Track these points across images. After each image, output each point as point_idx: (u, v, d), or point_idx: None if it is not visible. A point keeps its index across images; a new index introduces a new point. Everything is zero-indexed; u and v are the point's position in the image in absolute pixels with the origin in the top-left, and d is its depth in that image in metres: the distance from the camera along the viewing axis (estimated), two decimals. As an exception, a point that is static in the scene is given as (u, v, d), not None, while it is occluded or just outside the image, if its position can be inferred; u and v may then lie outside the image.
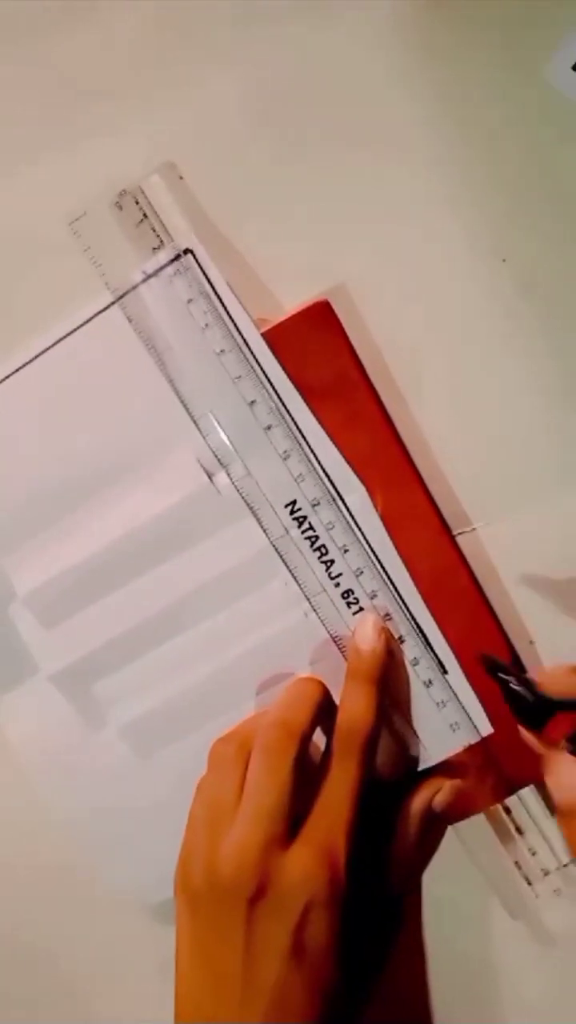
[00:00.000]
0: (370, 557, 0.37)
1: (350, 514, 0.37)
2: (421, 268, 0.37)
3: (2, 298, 0.39)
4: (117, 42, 0.38)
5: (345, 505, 0.37)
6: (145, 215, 0.37)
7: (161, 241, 0.37)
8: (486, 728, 0.37)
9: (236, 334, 0.37)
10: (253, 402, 0.37)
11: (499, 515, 0.38)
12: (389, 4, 0.36)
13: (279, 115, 0.37)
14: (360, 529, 0.37)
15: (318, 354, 0.37)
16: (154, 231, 0.37)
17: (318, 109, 0.37)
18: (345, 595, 0.37)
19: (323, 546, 0.37)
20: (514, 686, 0.34)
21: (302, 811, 0.34)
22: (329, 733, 0.36)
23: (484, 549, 0.38)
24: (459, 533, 0.38)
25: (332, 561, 0.37)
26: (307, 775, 0.35)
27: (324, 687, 0.37)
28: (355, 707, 0.35)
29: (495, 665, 0.35)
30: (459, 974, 0.40)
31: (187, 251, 0.37)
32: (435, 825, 0.38)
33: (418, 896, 0.38)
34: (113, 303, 0.37)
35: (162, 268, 0.37)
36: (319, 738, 0.36)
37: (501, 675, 0.35)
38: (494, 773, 0.38)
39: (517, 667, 0.37)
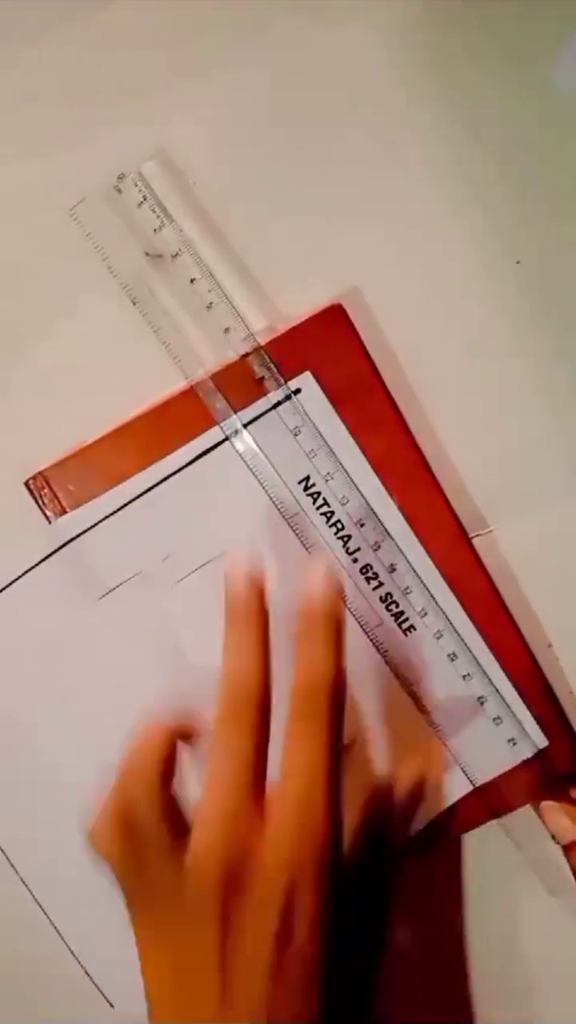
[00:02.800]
0: (425, 589, 0.37)
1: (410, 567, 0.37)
2: (434, 271, 0.37)
3: (5, 290, 0.38)
4: (121, 40, 0.36)
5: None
6: (145, 197, 0.36)
7: (162, 222, 0.36)
8: (542, 741, 0.37)
9: (339, 462, 0.36)
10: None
11: (515, 517, 0.37)
12: (395, 7, 0.36)
13: (288, 118, 0.36)
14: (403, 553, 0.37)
15: (333, 358, 0.36)
16: (154, 212, 0.36)
17: (327, 112, 0.36)
18: (397, 617, 0.37)
19: (370, 567, 0.37)
20: None
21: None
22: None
23: (500, 551, 0.37)
24: (475, 535, 0.37)
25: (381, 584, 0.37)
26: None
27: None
28: (313, 661, 0.31)
29: None
30: (499, 954, 0.39)
31: (297, 391, 0.36)
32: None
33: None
34: (225, 440, 0.36)
35: (273, 407, 0.36)
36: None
37: None
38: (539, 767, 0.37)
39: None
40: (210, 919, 0.29)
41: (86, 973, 0.38)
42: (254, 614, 0.32)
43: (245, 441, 0.36)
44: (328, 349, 0.36)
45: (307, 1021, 0.29)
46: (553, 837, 0.37)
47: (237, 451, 0.36)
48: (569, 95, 0.35)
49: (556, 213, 0.36)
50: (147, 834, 0.30)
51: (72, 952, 0.38)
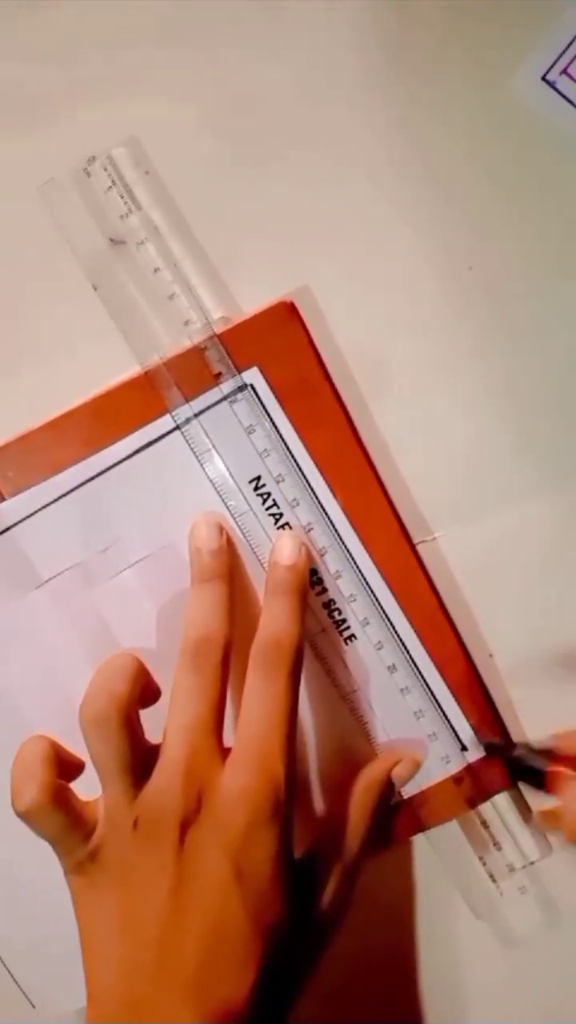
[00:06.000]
0: (368, 598, 0.36)
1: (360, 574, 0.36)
2: (387, 273, 0.37)
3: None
4: (98, 27, 0.36)
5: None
6: (113, 182, 0.36)
7: (129, 209, 0.36)
8: (476, 752, 0.37)
9: (292, 461, 0.36)
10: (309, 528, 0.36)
11: (460, 524, 0.37)
12: (358, 10, 0.36)
13: (246, 116, 0.36)
14: (350, 560, 0.36)
15: (281, 355, 0.36)
16: (122, 198, 0.36)
17: (285, 112, 0.36)
18: (339, 625, 0.37)
19: (315, 572, 0.36)
20: (526, 761, 0.35)
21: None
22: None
23: (444, 558, 0.37)
24: (420, 542, 0.37)
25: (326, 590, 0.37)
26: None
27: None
28: (277, 619, 0.33)
29: (495, 747, 0.36)
30: (423, 974, 0.39)
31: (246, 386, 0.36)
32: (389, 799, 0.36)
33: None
34: (175, 429, 0.36)
35: (225, 398, 0.36)
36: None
37: (512, 755, 0.36)
38: (469, 782, 0.37)
39: (507, 738, 0.37)
40: (168, 843, 0.30)
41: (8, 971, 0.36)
42: (216, 568, 0.34)
43: (196, 434, 0.35)
44: (277, 346, 0.36)
45: (247, 957, 0.29)
46: None
47: (188, 443, 0.35)
48: (526, 102, 0.36)
49: (512, 222, 0.37)
50: (109, 753, 0.31)
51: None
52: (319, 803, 0.37)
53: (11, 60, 0.37)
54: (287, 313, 0.36)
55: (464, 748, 0.37)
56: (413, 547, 0.37)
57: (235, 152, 0.37)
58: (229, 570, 0.35)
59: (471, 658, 0.37)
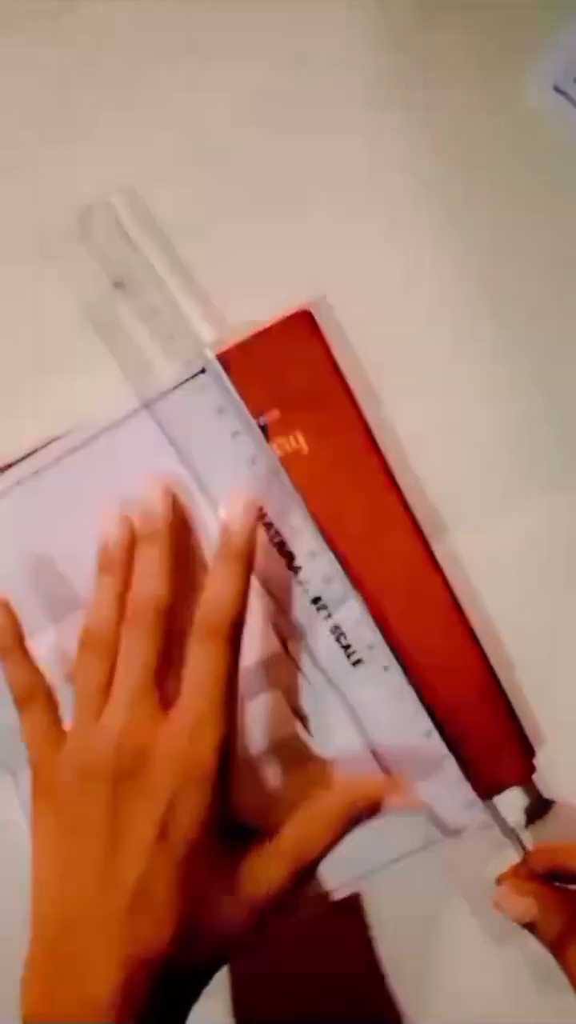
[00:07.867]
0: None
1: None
2: (402, 281, 0.38)
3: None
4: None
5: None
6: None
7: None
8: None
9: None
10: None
11: (477, 524, 0.38)
12: (370, 23, 0.36)
13: (263, 127, 0.37)
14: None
15: (299, 363, 0.37)
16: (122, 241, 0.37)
17: (302, 125, 0.37)
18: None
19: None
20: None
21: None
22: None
23: (461, 559, 0.37)
24: (437, 543, 0.37)
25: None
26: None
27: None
28: (220, 588, 0.34)
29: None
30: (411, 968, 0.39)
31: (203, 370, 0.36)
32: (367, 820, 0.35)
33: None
34: (141, 408, 0.37)
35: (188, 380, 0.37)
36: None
37: None
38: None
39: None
40: (103, 796, 0.32)
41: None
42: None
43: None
44: (295, 354, 0.37)
45: (167, 911, 0.31)
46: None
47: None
48: (538, 110, 0.36)
49: (525, 225, 0.37)
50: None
51: None
52: (278, 782, 0.38)
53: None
54: (305, 322, 0.37)
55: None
56: (429, 549, 0.37)
57: (256, 164, 0.38)
58: (172, 534, 0.36)
59: (489, 662, 0.37)
